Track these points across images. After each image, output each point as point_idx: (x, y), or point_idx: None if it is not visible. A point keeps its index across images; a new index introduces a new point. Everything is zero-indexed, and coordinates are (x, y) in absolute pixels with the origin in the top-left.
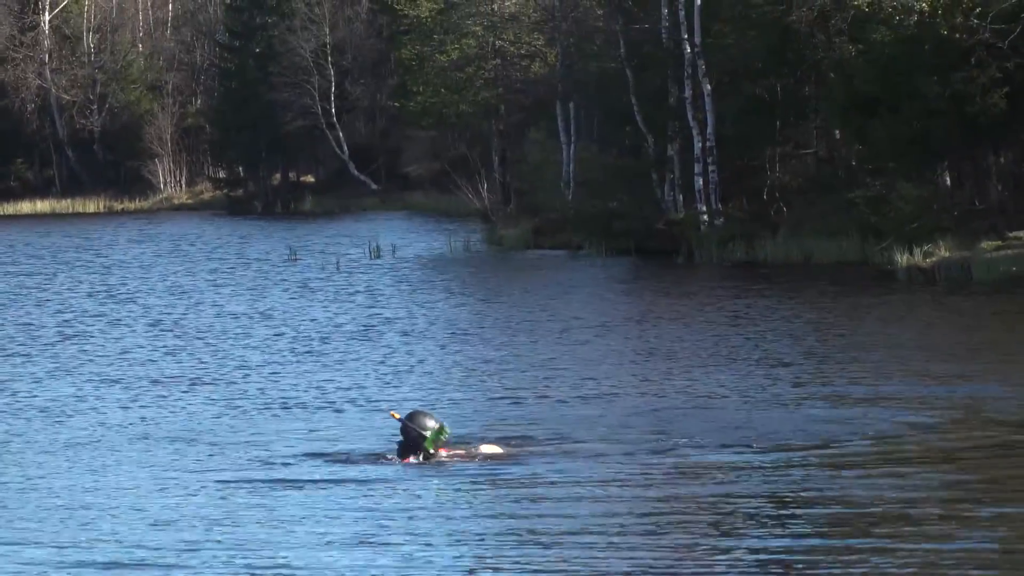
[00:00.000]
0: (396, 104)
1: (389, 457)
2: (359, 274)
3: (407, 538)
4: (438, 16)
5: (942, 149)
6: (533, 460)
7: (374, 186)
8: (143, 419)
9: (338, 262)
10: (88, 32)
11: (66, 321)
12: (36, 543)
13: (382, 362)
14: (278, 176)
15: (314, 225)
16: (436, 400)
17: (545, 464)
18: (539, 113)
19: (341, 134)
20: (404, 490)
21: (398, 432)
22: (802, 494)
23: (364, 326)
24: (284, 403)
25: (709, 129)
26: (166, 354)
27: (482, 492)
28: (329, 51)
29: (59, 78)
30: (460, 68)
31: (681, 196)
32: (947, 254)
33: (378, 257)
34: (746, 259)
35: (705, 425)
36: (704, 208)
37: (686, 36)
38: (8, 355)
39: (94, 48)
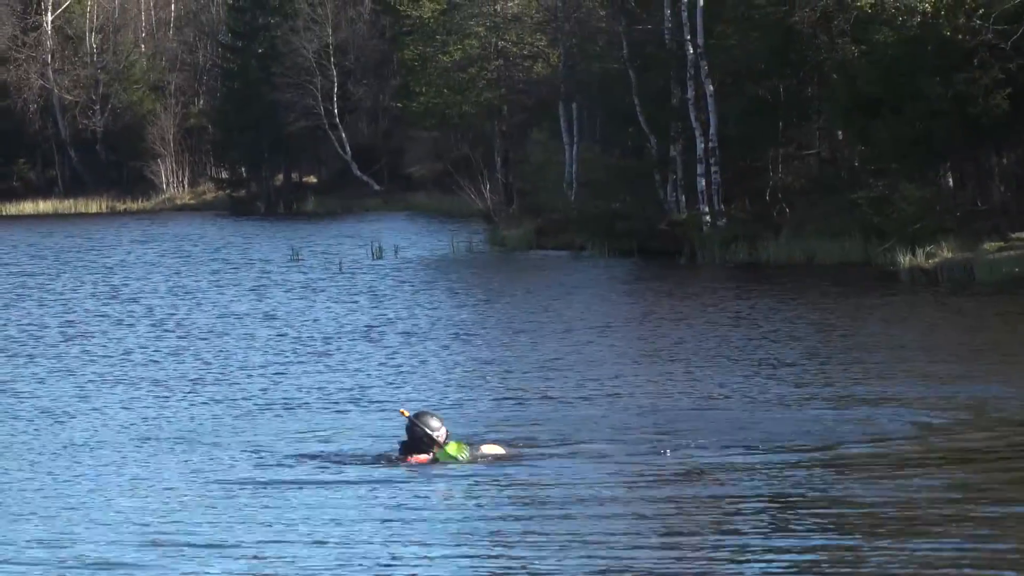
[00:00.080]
0: (399, 105)
1: (392, 457)
2: (361, 275)
3: (409, 539)
4: (441, 17)
5: (945, 150)
6: (536, 461)
7: (377, 187)
8: (145, 419)
9: (340, 263)
10: (90, 32)
11: (68, 321)
12: (37, 543)
13: (385, 363)
14: (280, 177)
15: (316, 226)
16: (438, 401)
17: (548, 465)
18: (542, 114)
19: (344, 135)
20: (407, 491)
21: (402, 432)
22: (805, 495)
23: (367, 327)
24: (286, 403)
25: (712, 130)
26: (168, 354)
27: (484, 493)
28: (332, 52)
29: (62, 78)
30: (463, 69)
31: (684, 197)
32: (950, 255)
33: (380, 258)
34: (749, 260)
35: (708, 426)
36: (707, 209)
37: (689, 37)
38: (11, 355)
39: (97, 48)
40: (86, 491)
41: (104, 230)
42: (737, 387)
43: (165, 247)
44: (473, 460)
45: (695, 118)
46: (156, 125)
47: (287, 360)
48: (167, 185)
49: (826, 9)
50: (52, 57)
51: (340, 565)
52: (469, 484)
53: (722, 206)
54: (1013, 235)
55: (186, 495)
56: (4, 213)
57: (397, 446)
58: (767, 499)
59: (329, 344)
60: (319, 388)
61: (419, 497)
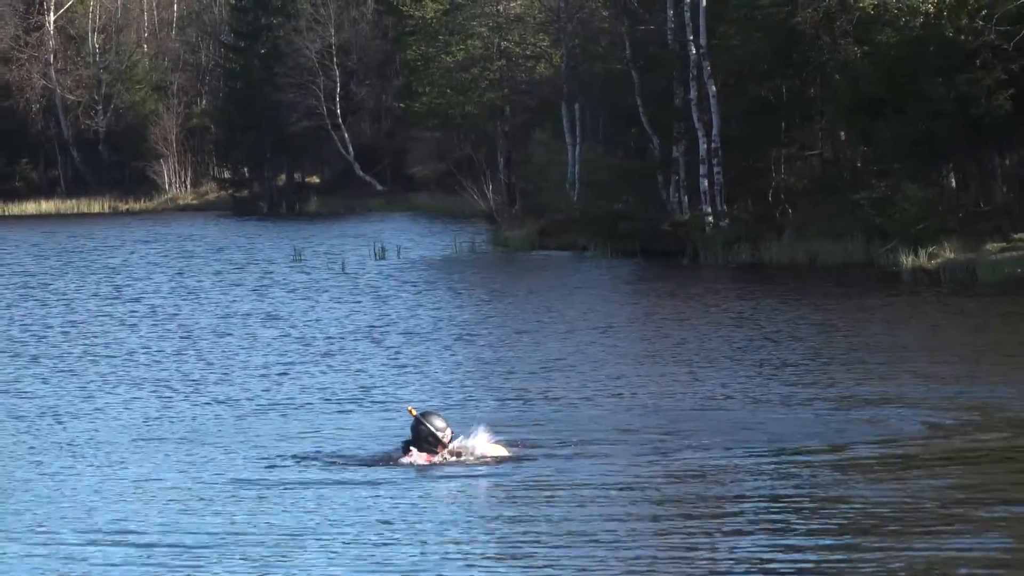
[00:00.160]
0: (401, 105)
1: (395, 457)
2: (364, 275)
3: (412, 539)
4: (443, 17)
5: (947, 151)
6: (538, 461)
7: (379, 187)
8: (147, 420)
9: (343, 263)
10: (93, 32)
11: (71, 321)
12: (39, 543)
13: (387, 363)
14: (283, 177)
15: (319, 226)
16: (440, 401)
17: (551, 465)
18: (544, 114)
19: (346, 135)
20: (409, 491)
21: (405, 431)
22: (809, 495)
23: (369, 327)
24: (289, 404)
25: (714, 130)
26: (170, 355)
27: (487, 493)
28: (334, 52)
29: (64, 78)
30: (465, 69)
31: (686, 197)
32: (952, 256)
33: (383, 258)
34: (751, 260)
35: (710, 426)
36: (709, 209)
37: (691, 37)
38: (14, 355)
39: (99, 48)
40: (89, 491)
41: (106, 230)
42: (740, 388)
43: (167, 247)
44: (473, 456)
45: (698, 119)
46: (159, 125)
47: (289, 360)
48: (169, 185)
49: (829, 10)
50: (55, 57)
51: (342, 565)
52: (472, 484)
53: (725, 207)
54: (1015, 236)
55: (189, 495)
56: (7, 213)
57: (400, 445)
58: (771, 499)
59: (332, 344)
60: (322, 388)
61: (422, 497)
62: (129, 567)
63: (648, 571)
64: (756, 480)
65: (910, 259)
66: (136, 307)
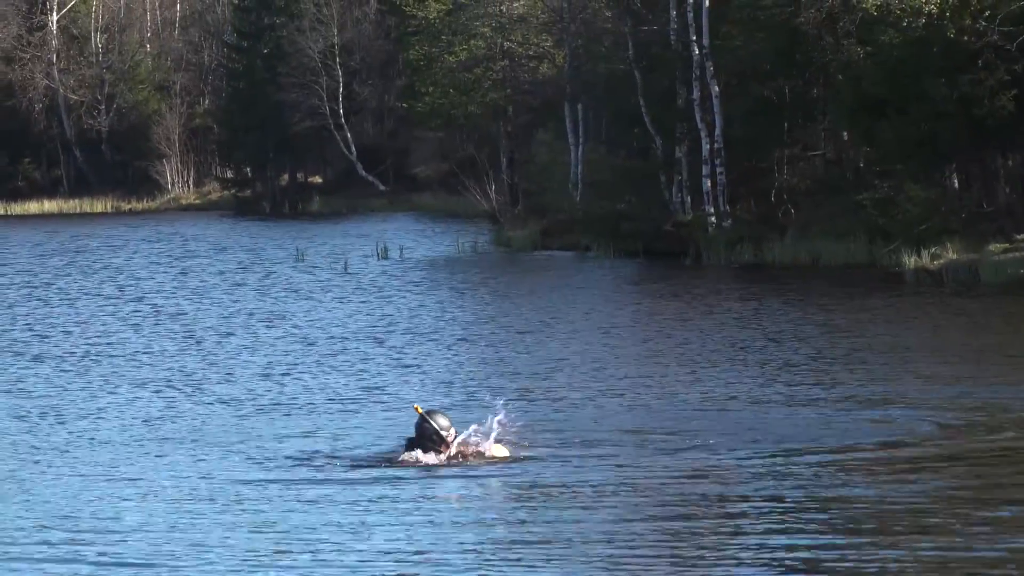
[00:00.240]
0: (404, 105)
1: (398, 457)
2: (367, 275)
3: (413, 539)
4: (446, 17)
5: (950, 151)
6: (540, 461)
7: (382, 187)
8: (150, 419)
9: (346, 263)
10: (96, 32)
11: (74, 321)
12: (41, 542)
13: (389, 363)
14: (286, 177)
15: (322, 226)
16: (441, 401)
17: (553, 465)
18: (547, 114)
19: (349, 135)
20: (411, 492)
21: (408, 429)
22: (812, 495)
23: (372, 327)
24: (292, 403)
25: (717, 131)
26: (173, 354)
27: (489, 493)
28: (337, 52)
29: (67, 78)
30: (468, 69)
31: (689, 198)
32: (955, 256)
33: (386, 258)
34: (754, 261)
35: (713, 426)
36: (712, 210)
37: (694, 38)
38: (16, 354)
39: (102, 48)
40: (90, 491)
41: (109, 230)
42: (742, 388)
43: (170, 247)
44: (475, 457)
45: (701, 119)
46: (161, 125)
47: (292, 360)
48: (172, 185)
49: (832, 10)
50: (57, 57)
51: (343, 565)
52: (475, 485)
53: (727, 207)
54: (1018, 236)
55: (191, 495)
56: (9, 213)
57: (403, 443)
58: (774, 499)
59: (334, 344)
60: (324, 388)
61: (424, 498)
62: (130, 567)
63: (650, 571)
64: (759, 480)
65: (913, 260)
66: (139, 307)
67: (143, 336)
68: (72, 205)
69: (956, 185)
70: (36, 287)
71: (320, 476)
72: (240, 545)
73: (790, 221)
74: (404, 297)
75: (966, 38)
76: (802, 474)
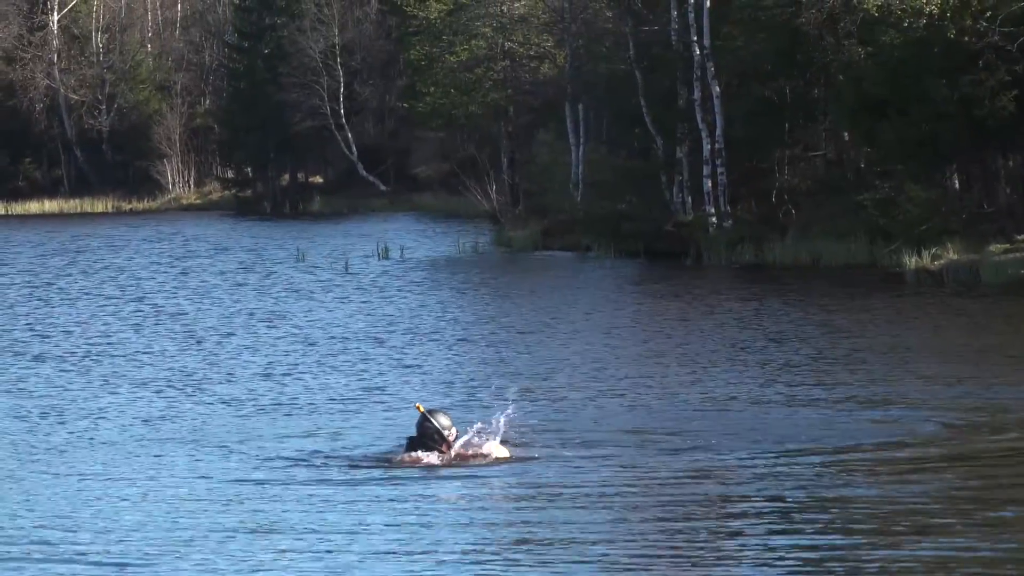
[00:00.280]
0: (405, 105)
1: (398, 457)
2: (368, 275)
3: (414, 540)
4: (447, 17)
5: (951, 152)
6: (541, 462)
7: (383, 187)
8: (150, 419)
9: (347, 263)
10: (97, 32)
11: (75, 321)
12: (44, 541)
13: (390, 363)
14: (287, 177)
15: (322, 226)
16: (441, 401)
17: (554, 466)
18: (548, 114)
19: (350, 135)
20: (412, 492)
21: (410, 428)
22: (813, 496)
23: (372, 327)
24: (293, 403)
25: (718, 131)
26: (173, 354)
27: (490, 494)
28: (338, 52)
29: (68, 78)
30: (469, 69)
31: (690, 198)
32: (955, 257)
33: (387, 258)
34: (755, 261)
35: (714, 427)
36: (713, 210)
37: (695, 38)
38: (17, 354)
39: (103, 48)
40: (91, 490)
41: (110, 230)
42: (743, 388)
43: (171, 247)
44: (475, 457)
45: (701, 119)
46: (162, 125)
47: (293, 360)
48: (173, 185)
49: (833, 11)
50: (58, 56)
51: (344, 565)
52: (476, 485)
53: (728, 207)
54: (1019, 237)
55: (192, 495)
56: (10, 213)
57: (404, 441)
58: (775, 500)
59: (335, 344)
60: (325, 388)
61: (424, 498)
62: (130, 567)
63: (651, 572)
64: (760, 480)
65: (913, 260)
66: (139, 307)
67: (144, 336)
68: (73, 205)
69: (957, 186)
70: (37, 287)
71: (320, 476)
72: (240, 545)
73: (791, 221)
74: (405, 297)
75: (967, 39)
76: (803, 474)
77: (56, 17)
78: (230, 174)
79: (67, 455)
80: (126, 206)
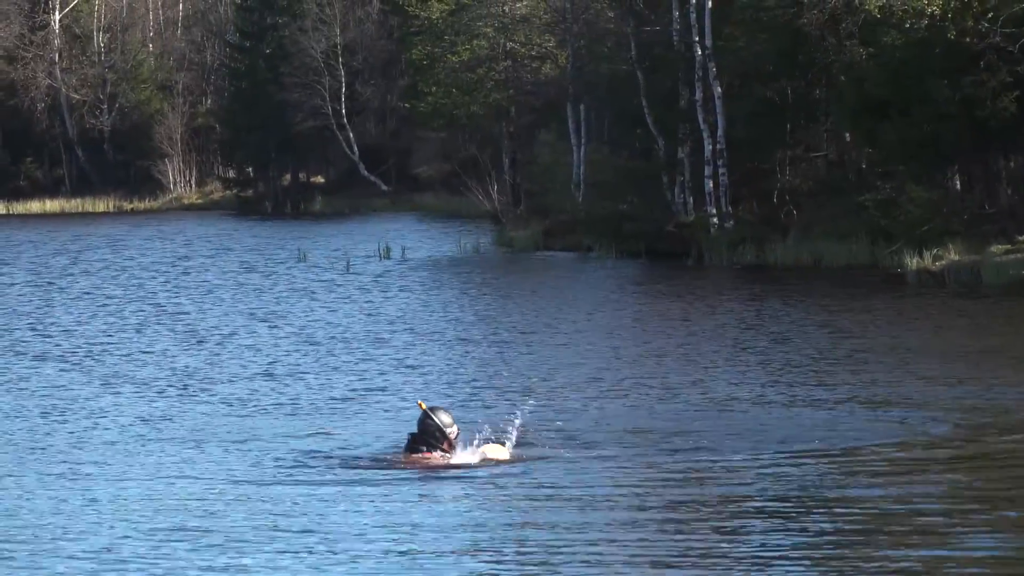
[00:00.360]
0: (407, 105)
1: (398, 458)
2: (369, 275)
3: (414, 541)
4: (449, 17)
5: (952, 153)
6: (542, 463)
7: (384, 187)
8: (151, 419)
9: (348, 263)
10: (98, 31)
11: (76, 321)
12: (45, 541)
13: (391, 363)
14: (288, 177)
15: (324, 226)
16: (444, 402)
17: (555, 467)
18: (550, 115)
19: (351, 135)
20: (413, 493)
21: (407, 433)
22: (814, 497)
23: (373, 327)
24: (293, 403)
25: (720, 132)
26: (174, 354)
27: (491, 495)
28: (340, 52)
29: (69, 77)
30: (471, 69)
31: (691, 198)
32: (957, 258)
33: (388, 258)
34: (756, 262)
35: (716, 427)
36: (714, 211)
37: (697, 39)
38: (18, 353)
39: (104, 47)
40: (91, 490)
41: (111, 230)
42: (745, 389)
43: (172, 247)
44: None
45: (703, 120)
46: (163, 124)
47: (294, 360)
48: (174, 185)
49: (834, 11)
50: (60, 56)
51: (344, 565)
52: (477, 486)
53: (730, 208)
54: (1020, 238)
55: (191, 495)
56: (11, 212)
57: (406, 438)
58: (777, 500)
59: (336, 344)
60: (325, 388)
61: (424, 497)
62: (130, 567)
63: (651, 572)
64: (761, 481)
65: (915, 261)
66: (140, 306)
67: (145, 336)
68: (74, 205)
69: (958, 186)
70: (38, 286)
71: (320, 476)
72: (240, 545)
73: (792, 222)
74: (406, 297)
75: (968, 40)
76: (804, 475)
77: (57, 16)
78: (231, 174)
79: (67, 455)
80: (127, 206)
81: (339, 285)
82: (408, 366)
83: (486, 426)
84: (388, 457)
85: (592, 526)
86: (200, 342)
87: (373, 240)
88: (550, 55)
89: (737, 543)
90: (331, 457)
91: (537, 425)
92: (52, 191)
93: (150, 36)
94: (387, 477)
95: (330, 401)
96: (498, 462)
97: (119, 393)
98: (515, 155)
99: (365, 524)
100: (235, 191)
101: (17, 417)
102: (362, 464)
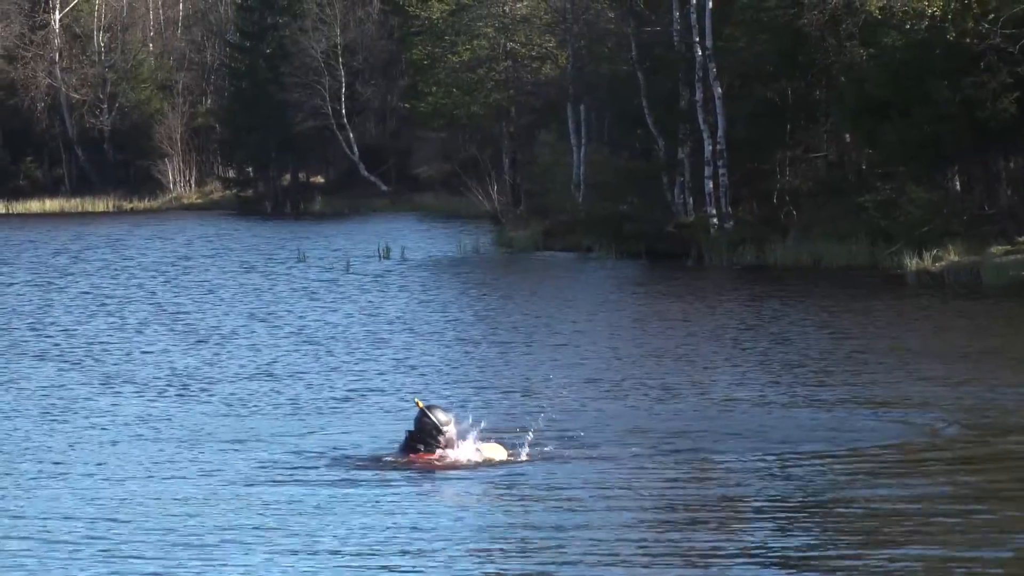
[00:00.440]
0: (407, 105)
1: (396, 454)
2: (369, 275)
3: (413, 541)
4: (449, 17)
5: (952, 153)
6: (542, 463)
7: (384, 187)
8: (151, 419)
9: (348, 263)
10: (98, 31)
11: (75, 320)
12: (45, 540)
13: (391, 363)
14: (288, 176)
15: (324, 226)
16: (443, 402)
17: (555, 467)
18: (550, 115)
19: (351, 135)
20: (412, 492)
21: (404, 432)
22: (815, 497)
23: (373, 327)
24: (293, 403)
25: (720, 132)
26: (173, 354)
27: (490, 494)
28: (340, 52)
29: (69, 77)
30: (471, 69)
31: (691, 199)
32: (956, 258)
33: (388, 258)
34: (756, 262)
35: (716, 428)
36: (714, 211)
37: (697, 39)
38: (18, 353)
39: (104, 47)
40: (91, 490)
41: (111, 229)
42: (744, 389)
43: (172, 247)
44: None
45: (703, 120)
46: (163, 124)
47: (293, 360)
48: (174, 184)
49: (835, 12)
50: (60, 55)
51: (344, 566)
52: (474, 485)
53: (730, 208)
54: (1020, 239)
55: (191, 495)
56: (11, 212)
57: (404, 435)
58: (777, 501)
59: (335, 343)
60: (325, 388)
61: (423, 497)
62: (129, 567)
63: (651, 572)
64: (761, 481)
65: (914, 262)
66: (140, 306)
67: (145, 335)
68: (74, 204)
69: (958, 187)
70: (38, 286)
71: (320, 476)
72: (240, 545)
73: (792, 223)
74: (406, 297)
75: (968, 40)
76: (804, 475)
77: (58, 16)
78: (231, 174)
79: (67, 454)
80: (127, 205)
81: (339, 285)
82: (408, 366)
83: (484, 425)
84: (387, 457)
85: (592, 526)
86: (200, 342)
87: (373, 240)
88: (550, 55)
89: (737, 543)
90: (331, 457)
91: (537, 425)
92: (52, 191)
93: (150, 36)
94: (387, 477)
95: (330, 401)
96: (496, 462)
97: (119, 393)
98: (515, 155)
99: (365, 524)
100: (235, 191)
101: (17, 417)
102: (362, 464)
